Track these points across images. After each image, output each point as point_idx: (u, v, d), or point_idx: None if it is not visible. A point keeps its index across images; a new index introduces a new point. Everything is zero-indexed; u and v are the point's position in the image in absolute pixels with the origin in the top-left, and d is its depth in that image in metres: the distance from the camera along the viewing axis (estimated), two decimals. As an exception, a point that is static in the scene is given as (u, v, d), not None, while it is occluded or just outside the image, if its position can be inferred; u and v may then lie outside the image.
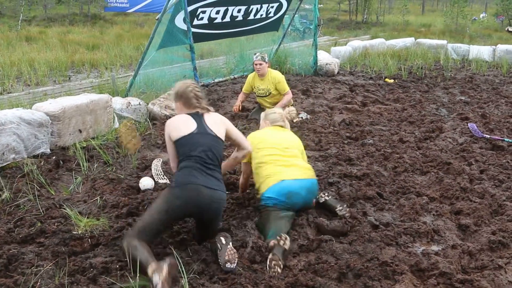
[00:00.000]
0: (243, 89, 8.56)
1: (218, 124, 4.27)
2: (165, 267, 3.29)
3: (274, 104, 8.05)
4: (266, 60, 8.00)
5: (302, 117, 8.07)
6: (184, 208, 3.87)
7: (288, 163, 4.58)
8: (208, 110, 4.31)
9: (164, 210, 3.82)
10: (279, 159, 4.57)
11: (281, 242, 3.84)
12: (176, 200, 3.84)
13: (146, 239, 3.68)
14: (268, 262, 3.75)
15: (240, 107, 8.52)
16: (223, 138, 4.24)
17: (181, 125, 4.13)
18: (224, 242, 3.80)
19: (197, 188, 3.85)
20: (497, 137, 6.98)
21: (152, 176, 5.51)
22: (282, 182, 4.40)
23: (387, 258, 3.80)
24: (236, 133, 4.43)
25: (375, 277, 3.55)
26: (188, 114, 4.22)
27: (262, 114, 5.24)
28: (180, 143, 4.06)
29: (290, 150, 4.72)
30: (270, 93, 8.06)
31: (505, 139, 6.86)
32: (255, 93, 8.25)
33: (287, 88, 8.15)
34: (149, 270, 3.32)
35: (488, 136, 7.01)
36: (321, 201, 4.67)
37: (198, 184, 3.86)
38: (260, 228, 4.31)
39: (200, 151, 4.01)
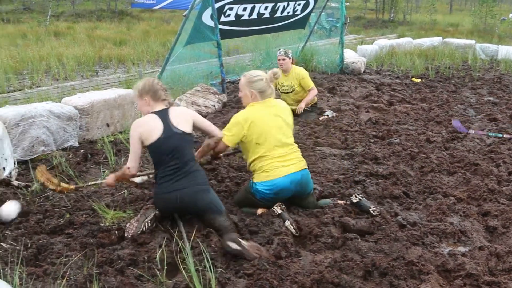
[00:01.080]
0: None
1: (183, 117, 4.41)
2: None
3: (298, 101, 8.08)
4: (290, 56, 7.96)
5: (328, 115, 8.05)
6: (173, 210, 4.34)
7: (286, 162, 4.58)
8: (171, 104, 4.49)
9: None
10: (277, 156, 4.55)
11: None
12: (164, 206, 4.30)
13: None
14: (289, 225, 4.21)
15: None
16: (190, 131, 4.39)
17: (151, 128, 4.25)
18: (234, 247, 3.82)
19: (171, 200, 4.20)
20: (481, 132, 7.03)
21: None
22: (275, 180, 4.47)
23: (413, 257, 3.77)
24: (204, 123, 4.63)
25: (400, 276, 3.53)
26: (154, 112, 4.33)
27: (243, 78, 4.71)
28: (151, 149, 4.28)
29: (288, 144, 4.68)
30: (294, 89, 8.04)
31: (489, 133, 6.88)
32: (278, 89, 8.21)
33: (312, 84, 8.10)
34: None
35: (473, 132, 7.01)
36: (354, 201, 4.66)
37: (175, 196, 4.18)
38: (238, 200, 4.77)
39: (170, 158, 4.22)
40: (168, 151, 4.21)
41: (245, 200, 4.69)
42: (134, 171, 4.35)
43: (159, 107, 4.37)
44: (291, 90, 8.07)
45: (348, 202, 4.72)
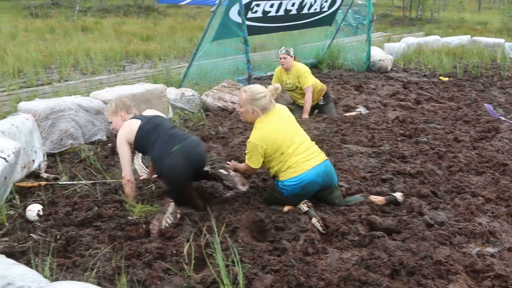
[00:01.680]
0: (272, 83, 8.32)
1: (152, 110, 5.02)
2: None
3: (302, 98, 8.13)
4: (291, 54, 7.92)
5: (360, 111, 8.02)
6: (188, 171, 4.57)
7: (308, 156, 4.60)
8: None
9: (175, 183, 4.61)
10: (300, 153, 4.58)
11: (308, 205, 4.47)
12: (167, 184, 4.75)
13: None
14: (315, 223, 4.26)
15: None
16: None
17: (131, 126, 4.63)
18: (225, 172, 4.76)
19: (177, 168, 4.48)
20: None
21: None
22: (302, 175, 4.48)
23: (441, 257, 3.74)
24: None
25: (428, 276, 3.51)
26: (129, 120, 4.76)
27: (245, 95, 4.57)
28: (137, 139, 4.60)
29: (305, 139, 4.74)
30: (297, 86, 8.03)
31: None
32: (283, 87, 8.18)
33: (308, 83, 7.95)
34: None
35: (504, 119, 6.94)
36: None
37: (178, 164, 4.47)
38: (266, 198, 4.80)
39: (157, 134, 4.58)
40: (152, 129, 4.60)
41: (272, 198, 4.71)
42: (129, 176, 4.63)
43: (130, 115, 4.84)
44: (294, 88, 8.07)
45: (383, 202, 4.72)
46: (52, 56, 13.40)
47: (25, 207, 4.50)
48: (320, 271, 3.52)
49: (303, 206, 4.43)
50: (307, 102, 7.97)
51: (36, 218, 4.35)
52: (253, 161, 4.55)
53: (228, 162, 5.10)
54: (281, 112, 4.73)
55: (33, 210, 4.40)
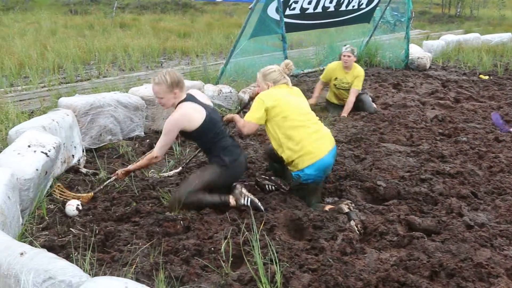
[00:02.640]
0: (322, 78, 8.34)
1: (204, 98, 4.75)
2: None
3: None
4: (355, 54, 7.93)
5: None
6: (231, 181, 4.65)
7: (318, 134, 4.69)
8: None
9: (213, 181, 4.51)
10: (309, 131, 4.63)
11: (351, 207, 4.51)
12: (228, 178, 4.61)
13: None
14: (353, 226, 4.24)
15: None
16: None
17: (195, 115, 4.42)
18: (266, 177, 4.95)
19: (241, 162, 4.66)
20: None
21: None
22: (320, 161, 4.55)
23: (482, 259, 3.67)
24: None
25: (468, 278, 3.44)
26: (185, 100, 4.49)
27: (259, 74, 4.98)
28: (203, 129, 4.43)
29: (312, 115, 4.83)
30: None
31: None
32: (335, 85, 8.13)
33: (360, 87, 8.07)
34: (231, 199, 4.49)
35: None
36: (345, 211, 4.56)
37: (240, 157, 4.64)
38: (300, 196, 4.74)
39: (219, 131, 4.54)
40: (216, 126, 4.52)
41: (304, 194, 4.72)
42: (161, 158, 4.57)
43: (183, 95, 4.51)
44: (350, 88, 8.01)
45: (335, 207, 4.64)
46: (91, 52, 13.56)
47: (64, 202, 4.55)
48: (358, 271, 3.49)
49: (344, 207, 4.41)
50: (351, 103, 7.99)
51: (76, 212, 4.40)
52: (253, 114, 4.66)
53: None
54: (294, 89, 4.96)
55: (73, 204, 4.46)
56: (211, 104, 4.69)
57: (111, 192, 4.88)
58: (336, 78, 8.01)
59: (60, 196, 4.62)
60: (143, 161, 4.63)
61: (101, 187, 4.86)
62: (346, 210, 4.40)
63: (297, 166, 4.57)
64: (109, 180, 4.84)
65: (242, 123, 4.71)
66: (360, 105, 8.11)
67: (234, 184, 4.64)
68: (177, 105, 4.45)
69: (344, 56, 7.86)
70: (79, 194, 4.71)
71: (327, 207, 4.54)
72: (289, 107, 4.62)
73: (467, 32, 19.08)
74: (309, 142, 4.55)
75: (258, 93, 4.90)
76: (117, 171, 4.75)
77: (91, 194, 4.76)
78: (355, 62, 8.06)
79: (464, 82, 10.55)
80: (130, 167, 4.71)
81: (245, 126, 4.69)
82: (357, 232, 4.17)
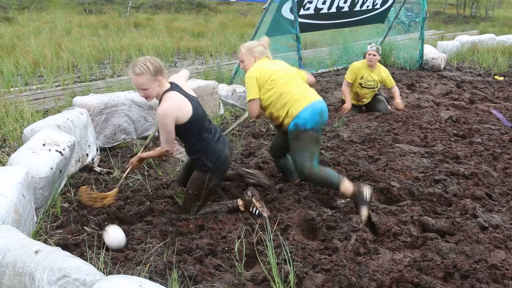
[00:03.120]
0: (348, 79, 8.14)
1: (187, 87, 4.44)
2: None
3: (371, 97, 8.17)
4: (380, 52, 7.92)
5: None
6: (222, 175, 4.57)
7: (305, 86, 4.73)
8: None
9: (205, 188, 4.34)
10: (297, 83, 4.66)
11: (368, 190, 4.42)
12: (218, 176, 4.45)
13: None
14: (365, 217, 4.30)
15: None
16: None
17: (184, 105, 4.15)
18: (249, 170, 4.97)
19: (225, 157, 4.43)
20: None
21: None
22: (313, 103, 4.54)
23: (496, 261, 3.65)
24: None
25: (483, 280, 3.42)
26: (170, 90, 4.18)
27: (243, 49, 4.90)
28: (188, 125, 4.16)
29: (297, 75, 4.86)
30: (378, 85, 8.02)
31: None
32: (360, 84, 8.06)
33: (394, 83, 8.19)
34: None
35: None
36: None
37: (224, 151, 4.41)
38: (303, 156, 4.52)
39: (203, 124, 4.30)
40: (202, 118, 4.28)
41: (306, 148, 4.55)
42: (171, 153, 4.37)
43: (167, 83, 4.24)
44: (375, 86, 8.02)
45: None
46: (105, 52, 13.65)
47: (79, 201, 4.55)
48: (372, 271, 3.48)
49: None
50: (397, 92, 8.25)
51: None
52: (250, 93, 4.66)
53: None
54: (277, 60, 4.98)
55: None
56: (195, 95, 4.41)
57: (125, 191, 4.90)
58: (362, 77, 7.97)
59: (88, 201, 4.44)
60: (155, 152, 4.44)
61: (122, 180, 4.71)
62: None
63: (292, 115, 4.52)
64: (127, 171, 4.65)
65: (248, 108, 4.77)
66: (375, 105, 8.09)
67: (246, 191, 4.58)
68: (162, 95, 4.18)
69: (369, 54, 7.83)
70: (105, 194, 4.56)
71: (346, 186, 4.48)
72: (276, 70, 4.65)
73: (482, 33, 19.00)
74: (299, 91, 4.58)
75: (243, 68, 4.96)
76: (131, 159, 4.58)
77: (117, 189, 4.62)
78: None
79: (479, 83, 10.48)
80: (143, 154, 4.55)
81: (251, 108, 4.72)
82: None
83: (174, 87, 4.20)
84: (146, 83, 4.03)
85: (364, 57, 8.02)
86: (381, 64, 8.29)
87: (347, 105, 8.07)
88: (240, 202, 4.52)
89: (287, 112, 4.53)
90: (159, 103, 4.15)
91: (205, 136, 4.30)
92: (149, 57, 4.09)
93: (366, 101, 8.21)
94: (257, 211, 4.39)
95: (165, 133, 4.09)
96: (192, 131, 4.24)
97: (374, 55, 7.77)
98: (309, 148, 4.51)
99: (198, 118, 4.21)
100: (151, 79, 4.02)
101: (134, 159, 4.53)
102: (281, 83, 4.56)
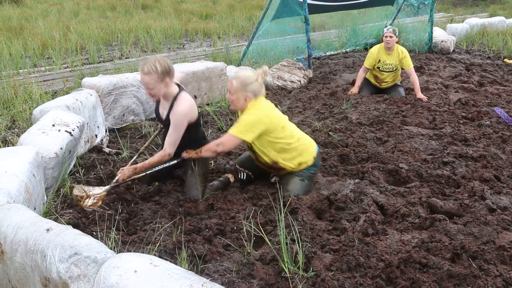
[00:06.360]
0: (366, 64, 8.05)
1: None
2: None
3: (393, 80, 8.04)
4: (397, 34, 7.79)
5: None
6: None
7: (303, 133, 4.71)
8: None
9: (206, 171, 4.69)
10: (298, 132, 4.62)
11: None
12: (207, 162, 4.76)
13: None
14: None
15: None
16: None
17: (194, 106, 4.40)
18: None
19: None
20: None
21: None
22: (316, 151, 4.61)
23: (504, 242, 3.65)
24: None
25: (491, 261, 3.43)
26: (183, 91, 4.39)
27: (236, 82, 4.33)
28: (196, 125, 4.45)
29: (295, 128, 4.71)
30: (397, 68, 7.92)
31: None
32: (377, 68, 7.98)
33: (412, 64, 7.98)
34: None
35: None
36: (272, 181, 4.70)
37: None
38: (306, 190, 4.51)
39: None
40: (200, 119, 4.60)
41: (309, 187, 4.59)
42: (171, 157, 4.39)
43: (175, 86, 4.33)
44: (394, 69, 7.93)
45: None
46: (113, 34, 13.63)
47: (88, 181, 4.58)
48: (380, 252, 3.50)
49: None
50: (416, 82, 7.99)
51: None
52: (246, 131, 4.25)
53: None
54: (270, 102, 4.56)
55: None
56: None
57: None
58: (379, 61, 7.90)
59: (77, 202, 4.20)
60: (154, 158, 4.37)
61: (110, 186, 4.33)
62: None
63: (307, 161, 4.50)
64: (114, 180, 4.36)
65: (219, 141, 4.39)
66: (391, 92, 8.04)
67: (226, 163, 5.03)
68: (176, 95, 4.27)
69: (386, 37, 7.72)
70: (95, 192, 4.27)
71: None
72: (282, 119, 4.47)
73: (492, 16, 18.83)
74: (303, 140, 4.54)
75: (232, 107, 4.55)
76: (123, 168, 4.38)
77: (104, 193, 4.27)
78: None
79: (488, 66, 10.42)
80: (139, 164, 4.39)
81: (229, 143, 4.34)
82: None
83: (182, 88, 4.41)
84: (152, 83, 4.12)
85: (382, 41, 7.96)
86: None
87: (354, 90, 8.08)
88: (229, 175, 4.71)
89: (300, 156, 4.50)
90: (171, 103, 4.30)
91: (201, 132, 4.69)
92: (160, 58, 4.15)
93: (385, 85, 8.13)
94: (244, 174, 4.55)
95: (177, 134, 4.27)
96: (198, 128, 4.58)
97: (391, 37, 7.67)
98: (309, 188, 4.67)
99: (199, 119, 4.54)
100: (158, 79, 4.10)
101: (126, 169, 4.36)
102: (290, 134, 4.44)
